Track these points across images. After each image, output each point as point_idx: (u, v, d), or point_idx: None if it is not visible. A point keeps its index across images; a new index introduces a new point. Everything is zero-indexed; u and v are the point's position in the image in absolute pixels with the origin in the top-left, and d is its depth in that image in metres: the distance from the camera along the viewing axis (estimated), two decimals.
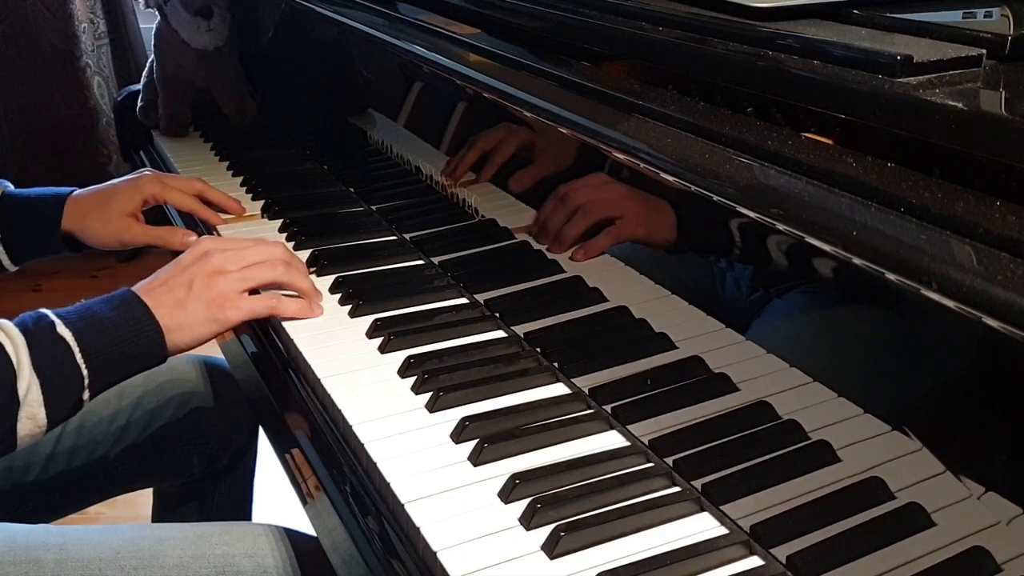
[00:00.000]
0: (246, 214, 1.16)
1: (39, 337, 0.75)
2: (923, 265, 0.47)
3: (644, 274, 0.75)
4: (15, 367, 0.73)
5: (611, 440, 0.72)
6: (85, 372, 0.76)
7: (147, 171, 1.13)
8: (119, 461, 1.08)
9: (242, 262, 0.88)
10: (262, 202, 1.18)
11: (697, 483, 0.65)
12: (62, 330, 0.76)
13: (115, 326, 0.79)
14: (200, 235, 1.08)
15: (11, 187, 1.07)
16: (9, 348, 0.73)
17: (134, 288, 0.83)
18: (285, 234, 1.09)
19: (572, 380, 0.77)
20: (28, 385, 0.73)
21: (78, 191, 1.08)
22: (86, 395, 0.77)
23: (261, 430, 1.19)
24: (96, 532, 0.83)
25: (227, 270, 0.86)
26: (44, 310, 0.78)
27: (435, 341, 0.85)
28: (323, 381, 0.80)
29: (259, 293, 0.90)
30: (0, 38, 2.57)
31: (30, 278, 2.48)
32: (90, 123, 2.63)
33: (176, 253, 0.98)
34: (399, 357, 0.82)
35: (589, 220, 0.80)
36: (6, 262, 1.06)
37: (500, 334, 0.86)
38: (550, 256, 0.84)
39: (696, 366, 0.70)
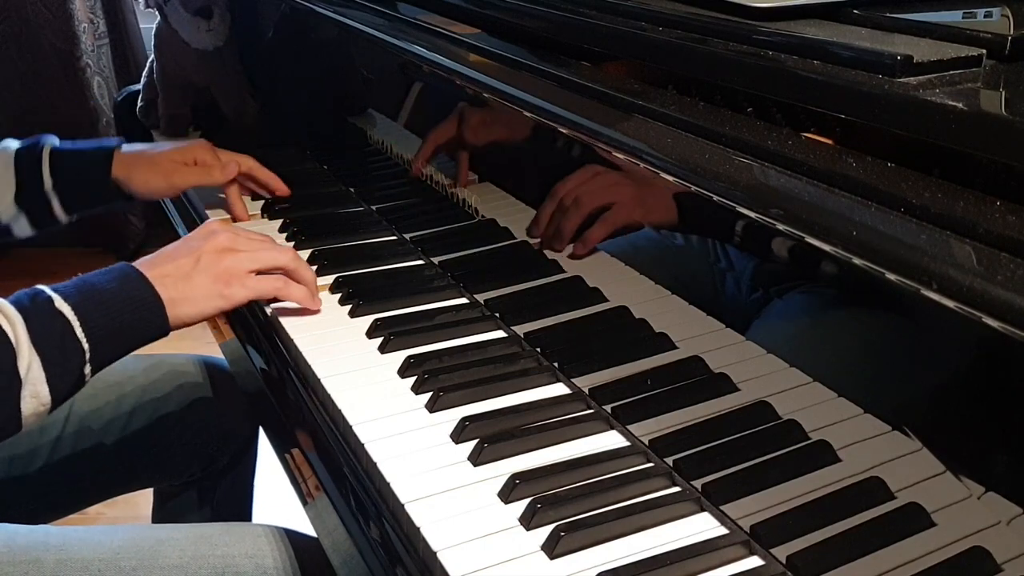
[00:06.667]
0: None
1: (37, 313, 0.74)
2: (923, 265, 0.47)
3: (644, 274, 0.75)
4: (14, 346, 0.72)
5: (611, 440, 0.72)
6: (86, 346, 0.75)
7: (200, 139, 1.15)
8: (119, 460, 1.08)
9: (251, 245, 0.88)
10: (262, 202, 1.18)
11: (697, 483, 0.65)
12: (60, 305, 0.75)
13: (114, 298, 0.78)
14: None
15: (57, 142, 1.09)
16: (7, 327, 0.72)
17: (138, 262, 0.82)
18: (285, 234, 1.09)
19: (572, 380, 0.77)
20: (28, 363, 0.72)
21: (126, 145, 1.10)
22: (87, 369, 0.76)
23: (261, 430, 1.19)
24: (96, 532, 0.83)
25: (237, 248, 0.86)
26: (41, 286, 0.77)
27: (435, 341, 0.85)
28: (323, 381, 0.80)
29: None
30: (0, 38, 2.57)
31: (30, 277, 2.48)
32: (90, 123, 2.62)
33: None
34: (399, 357, 0.82)
35: (584, 213, 0.79)
36: (59, 212, 1.08)
37: (500, 334, 0.86)
38: (550, 256, 0.84)
39: (696, 366, 0.70)
